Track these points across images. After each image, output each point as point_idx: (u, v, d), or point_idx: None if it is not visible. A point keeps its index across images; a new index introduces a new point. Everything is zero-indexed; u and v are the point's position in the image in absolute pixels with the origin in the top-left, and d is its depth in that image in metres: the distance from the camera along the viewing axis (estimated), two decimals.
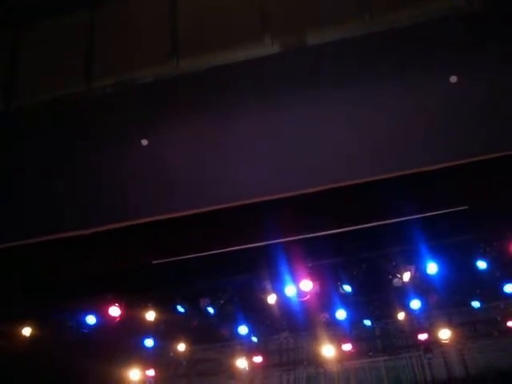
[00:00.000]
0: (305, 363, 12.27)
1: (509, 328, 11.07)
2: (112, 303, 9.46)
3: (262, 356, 12.06)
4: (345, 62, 6.55)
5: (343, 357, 11.66)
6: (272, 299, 9.41)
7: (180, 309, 9.64)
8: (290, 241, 7.14)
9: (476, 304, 10.57)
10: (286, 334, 12.53)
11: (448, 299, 10.62)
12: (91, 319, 9.60)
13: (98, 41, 7.37)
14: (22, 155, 7.04)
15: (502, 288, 9.70)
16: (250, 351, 12.03)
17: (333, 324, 11.05)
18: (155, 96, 6.99)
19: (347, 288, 9.06)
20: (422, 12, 6.34)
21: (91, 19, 7.48)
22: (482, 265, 8.72)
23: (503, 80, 6.19)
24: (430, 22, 6.35)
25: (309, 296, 9.09)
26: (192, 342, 12.07)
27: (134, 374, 12.13)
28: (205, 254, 7.17)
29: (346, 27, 6.56)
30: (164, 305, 9.87)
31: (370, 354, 11.99)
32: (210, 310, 9.50)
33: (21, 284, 7.82)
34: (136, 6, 7.43)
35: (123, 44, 7.25)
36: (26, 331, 9.76)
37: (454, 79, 6.26)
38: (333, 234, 7.00)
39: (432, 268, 8.67)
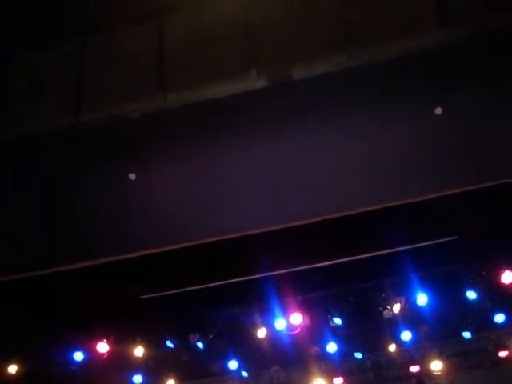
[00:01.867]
0: None
1: (501, 358, 10.95)
2: (100, 339, 9.33)
3: None
4: (331, 94, 6.61)
5: None
6: (262, 333, 9.33)
7: (169, 344, 9.53)
8: (279, 274, 7.11)
9: (467, 335, 10.47)
10: (277, 369, 12.30)
11: (439, 330, 10.53)
12: (79, 356, 9.45)
13: (87, 74, 7.38)
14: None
15: (493, 318, 9.65)
16: None
17: (324, 357, 10.90)
18: (142, 130, 7.00)
19: (337, 321, 9.01)
20: (405, 45, 6.40)
21: (80, 52, 7.50)
22: (471, 295, 8.72)
23: (488, 111, 6.27)
24: (413, 54, 6.42)
25: (299, 329, 9.03)
26: (182, 377, 11.82)
27: None
28: (193, 288, 7.11)
29: (331, 61, 6.61)
30: (153, 340, 9.75)
31: None
32: (200, 344, 9.40)
33: (6, 321, 7.69)
34: (124, 40, 7.47)
35: (111, 78, 7.26)
36: (12, 369, 9.58)
37: (439, 111, 6.35)
38: (322, 266, 6.97)
39: (422, 299, 8.65)
